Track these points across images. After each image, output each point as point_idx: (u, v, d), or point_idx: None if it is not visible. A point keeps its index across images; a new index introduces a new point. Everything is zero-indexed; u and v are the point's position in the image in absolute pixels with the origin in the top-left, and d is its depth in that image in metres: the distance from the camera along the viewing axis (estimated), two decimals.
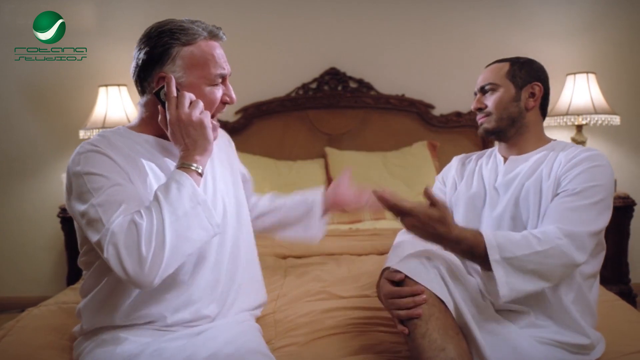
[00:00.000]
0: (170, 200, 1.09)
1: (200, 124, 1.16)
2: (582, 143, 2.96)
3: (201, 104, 1.18)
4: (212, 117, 1.24)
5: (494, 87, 1.36)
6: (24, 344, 1.35)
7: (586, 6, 3.24)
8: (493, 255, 1.10)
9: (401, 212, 1.12)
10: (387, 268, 1.24)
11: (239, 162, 1.54)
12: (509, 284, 1.09)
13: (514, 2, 3.28)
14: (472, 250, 1.12)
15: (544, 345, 1.17)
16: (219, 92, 1.24)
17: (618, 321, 1.44)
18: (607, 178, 1.22)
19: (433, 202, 1.11)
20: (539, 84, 1.36)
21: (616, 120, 2.93)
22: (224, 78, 1.25)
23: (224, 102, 1.26)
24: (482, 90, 1.39)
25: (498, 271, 1.09)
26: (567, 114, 2.94)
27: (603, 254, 1.29)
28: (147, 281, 1.05)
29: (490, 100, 1.36)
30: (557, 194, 1.22)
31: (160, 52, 1.20)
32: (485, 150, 1.52)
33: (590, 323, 1.24)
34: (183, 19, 1.25)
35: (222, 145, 1.45)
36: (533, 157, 1.33)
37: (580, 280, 1.22)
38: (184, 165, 1.15)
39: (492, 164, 1.41)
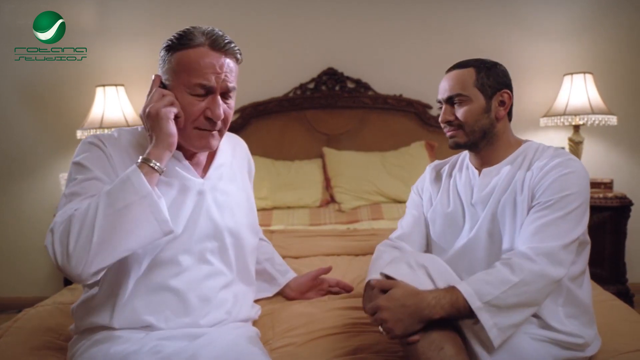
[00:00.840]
0: (110, 192, 1.07)
1: (156, 115, 1.14)
2: (579, 143, 2.97)
3: (168, 99, 1.16)
4: (199, 129, 1.20)
5: (463, 99, 1.29)
6: (21, 345, 1.35)
7: (584, 7, 3.24)
8: (474, 304, 1.08)
9: (373, 308, 1.11)
10: (370, 282, 1.23)
11: (251, 187, 1.51)
12: (496, 325, 1.08)
13: (512, 2, 3.29)
14: (454, 304, 1.09)
15: (538, 342, 1.17)
16: (200, 104, 1.18)
17: (615, 320, 1.44)
18: (580, 184, 1.19)
19: (384, 287, 1.12)
20: (508, 91, 1.31)
21: (613, 120, 2.94)
22: (209, 90, 1.18)
23: (206, 117, 1.19)
24: (450, 101, 1.32)
25: (483, 316, 1.07)
26: (564, 114, 2.94)
27: (588, 248, 1.28)
28: (75, 274, 1.04)
29: (460, 113, 1.30)
30: (533, 206, 1.21)
31: (162, 55, 1.22)
32: (458, 156, 1.48)
33: (584, 322, 1.23)
34: (204, 27, 1.21)
35: (242, 161, 1.46)
36: (506, 168, 1.30)
37: (567, 282, 1.22)
38: (142, 159, 1.13)
39: (465, 178, 1.38)
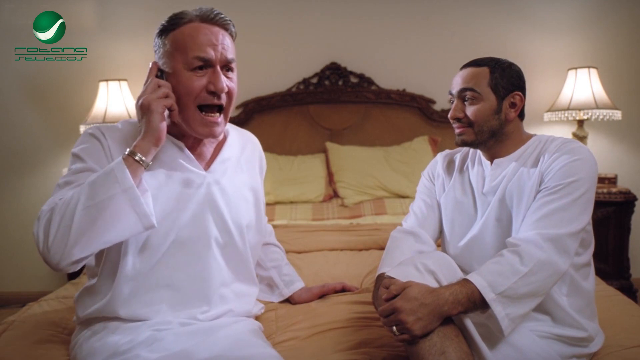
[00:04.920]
0: (93, 183, 1.07)
1: (147, 108, 1.13)
2: (584, 138, 2.96)
3: (162, 91, 1.15)
4: (205, 109, 1.19)
5: (475, 97, 1.27)
6: (25, 338, 1.35)
7: (588, 1, 3.23)
8: (488, 295, 1.08)
9: (392, 309, 1.07)
10: (383, 275, 1.22)
11: (261, 185, 1.47)
12: (508, 315, 1.09)
13: None
14: (470, 298, 1.09)
15: (543, 339, 1.18)
16: (201, 79, 1.17)
17: (619, 315, 1.44)
18: (587, 170, 1.19)
19: (398, 290, 1.08)
20: (520, 93, 1.30)
21: (617, 115, 2.92)
22: (208, 63, 1.17)
23: (209, 91, 1.18)
24: (461, 96, 1.30)
25: (496, 307, 1.08)
26: (568, 108, 2.93)
27: (593, 243, 1.29)
28: (53, 262, 1.06)
29: (470, 111, 1.28)
30: (540, 190, 1.21)
31: (155, 42, 1.22)
32: (469, 148, 1.47)
33: (587, 315, 1.24)
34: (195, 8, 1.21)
35: (252, 157, 1.43)
36: (516, 158, 1.30)
37: (572, 272, 1.22)
38: (128, 152, 1.12)
39: (478, 169, 1.37)
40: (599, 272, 1.83)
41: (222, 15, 1.21)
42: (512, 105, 1.29)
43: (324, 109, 3.31)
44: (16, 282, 3.35)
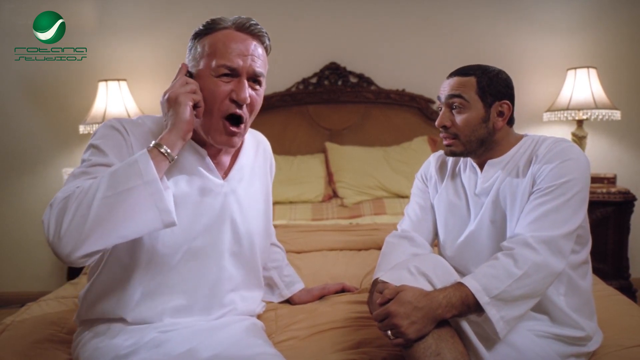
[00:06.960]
0: (114, 173, 1.02)
1: (175, 100, 1.11)
2: (583, 138, 2.96)
3: (190, 87, 1.13)
4: (228, 118, 1.17)
5: (463, 104, 1.27)
6: (24, 338, 1.35)
7: (588, 1, 3.23)
8: (482, 299, 1.08)
9: (385, 314, 1.08)
10: (378, 280, 1.22)
11: (271, 188, 1.49)
12: (503, 318, 1.09)
13: None
14: (464, 301, 1.09)
15: (541, 338, 1.18)
16: (225, 86, 1.15)
17: (618, 315, 1.44)
18: (580, 170, 1.19)
19: (392, 294, 1.09)
20: (507, 102, 1.29)
21: (617, 115, 2.93)
22: (235, 72, 1.16)
23: (232, 99, 1.16)
24: (449, 104, 1.29)
25: (491, 311, 1.08)
26: (567, 108, 2.93)
27: (590, 240, 1.29)
28: (63, 253, 0.99)
29: (458, 120, 1.27)
30: (533, 192, 1.20)
31: (189, 45, 1.21)
32: None
33: (585, 314, 1.24)
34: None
35: (264, 161, 1.44)
36: (508, 160, 1.30)
37: (570, 271, 1.22)
38: (153, 144, 1.08)
39: (470, 171, 1.37)
40: (598, 272, 1.83)
41: (259, 27, 1.21)
42: (500, 114, 1.28)
43: (324, 109, 3.31)
44: (16, 282, 3.34)
